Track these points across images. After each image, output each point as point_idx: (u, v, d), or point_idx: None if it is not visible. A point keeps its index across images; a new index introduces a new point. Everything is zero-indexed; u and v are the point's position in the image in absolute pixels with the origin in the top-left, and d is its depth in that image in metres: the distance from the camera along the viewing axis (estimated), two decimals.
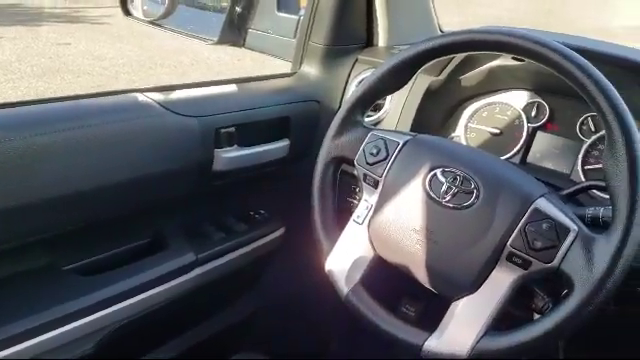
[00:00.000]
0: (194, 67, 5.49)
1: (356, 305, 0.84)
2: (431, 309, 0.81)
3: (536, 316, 0.78)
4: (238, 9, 1.43)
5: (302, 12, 1.38)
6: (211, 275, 1.17)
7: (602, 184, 0.75)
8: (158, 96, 1.06)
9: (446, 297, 0.78)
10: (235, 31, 1.44)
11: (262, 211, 1.32)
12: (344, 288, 0.85)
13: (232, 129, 1.12)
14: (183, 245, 1.14)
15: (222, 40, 1.45)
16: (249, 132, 1.17)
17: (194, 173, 1.09)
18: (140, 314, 1.06)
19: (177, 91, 1.13)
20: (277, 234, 1.32)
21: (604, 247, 0.68)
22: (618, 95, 0.71)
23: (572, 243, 0.70)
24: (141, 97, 1.05)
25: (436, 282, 0.79)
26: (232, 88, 1.23)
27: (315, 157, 0.93)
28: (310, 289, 1.22)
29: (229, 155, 1.13)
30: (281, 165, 1.27)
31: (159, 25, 1.36)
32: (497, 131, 1.16)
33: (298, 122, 1.27)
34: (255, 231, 1.27)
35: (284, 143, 1.25)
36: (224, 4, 1.45)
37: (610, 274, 0.67)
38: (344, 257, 0.86)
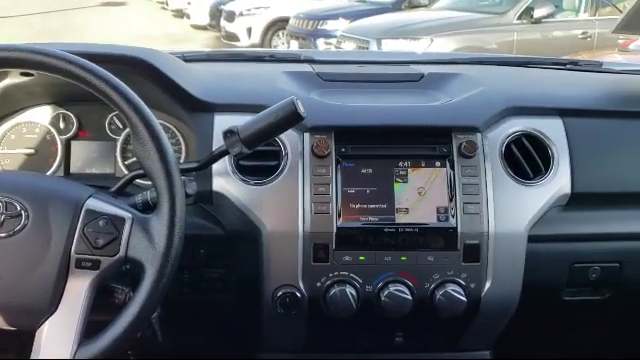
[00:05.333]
0: None
1: None
2: (25, 350, 0.75)
3: None
4: None
5: None
6: None
7: (142, 172, 0.81)
8: None
9: (30, 329, 0.74)
10: None
11: None
12: None
13: None
14: None
15: None
16: None
17: None
18: None
19: None
20: None
21: (158, 223, 0.76)
22: (129, 89, 0.78)
23: (130, 230, 0.75)
24: None
25: (13, 318, 0.75)
26: None
27: None
28: None
29: None
30: None
31: None
32: (32, 151, 1.12)
33: None
34: None
35: None
36: None
37: (171, 244, 0.75)
38: None
